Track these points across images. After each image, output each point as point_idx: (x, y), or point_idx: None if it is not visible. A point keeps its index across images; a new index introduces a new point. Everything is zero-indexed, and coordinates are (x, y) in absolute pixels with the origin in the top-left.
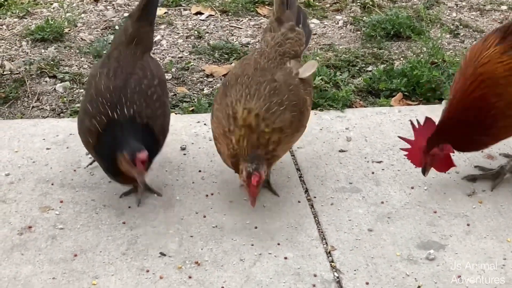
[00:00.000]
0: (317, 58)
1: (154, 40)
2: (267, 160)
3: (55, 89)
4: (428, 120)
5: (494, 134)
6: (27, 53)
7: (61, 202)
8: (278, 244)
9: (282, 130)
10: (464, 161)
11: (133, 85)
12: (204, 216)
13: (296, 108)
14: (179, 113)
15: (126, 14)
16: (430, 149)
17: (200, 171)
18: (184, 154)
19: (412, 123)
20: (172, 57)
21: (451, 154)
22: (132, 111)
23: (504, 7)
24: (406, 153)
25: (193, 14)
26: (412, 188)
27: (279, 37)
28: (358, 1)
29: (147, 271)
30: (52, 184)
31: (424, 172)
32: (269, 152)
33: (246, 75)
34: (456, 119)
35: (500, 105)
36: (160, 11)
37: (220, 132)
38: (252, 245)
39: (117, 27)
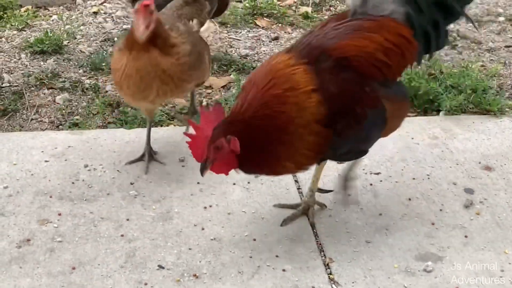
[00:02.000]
0: None
1: None
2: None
3: (54, 101)
4: (218, 105)
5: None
6: (26, 65)
7: (60, 214)
8: (277, 256)
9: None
10: (462, 172)
11: None
12: (203, 229)
13: (196, 47)
14: (177, 124)
15: (125, 26)
16: (215, 139)
17: (198, 183)
18: (183, 166)
19: (202, 107)
20: None
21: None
22: None
23: (501, 18)
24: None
25: None
26: (410, 199)
27: (178, 2)
28: None
29: (145, 284)
30: (51, 197)
31: (203, 170)
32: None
33: None
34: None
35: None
36: None
37: None
38: (251, 257)
39: (116, 39)
